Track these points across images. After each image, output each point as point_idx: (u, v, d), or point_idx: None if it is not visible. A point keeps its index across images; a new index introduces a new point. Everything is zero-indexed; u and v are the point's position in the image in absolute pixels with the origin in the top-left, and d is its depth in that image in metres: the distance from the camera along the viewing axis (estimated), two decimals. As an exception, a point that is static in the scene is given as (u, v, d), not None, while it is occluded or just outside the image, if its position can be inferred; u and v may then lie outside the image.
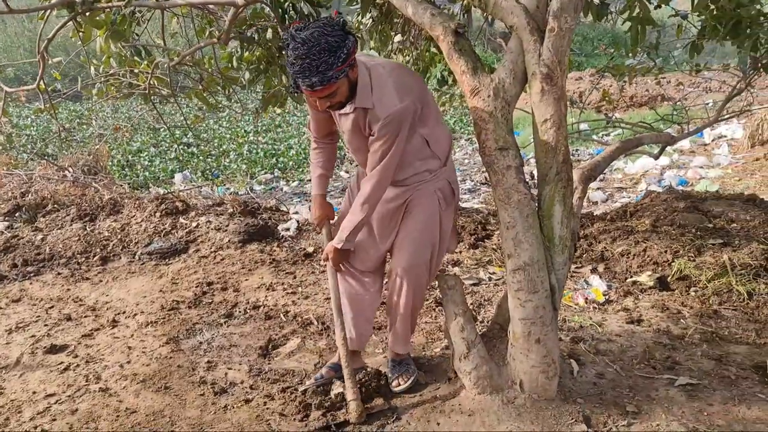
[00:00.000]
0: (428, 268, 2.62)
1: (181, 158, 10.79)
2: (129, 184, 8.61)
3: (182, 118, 12.43)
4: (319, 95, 2.22)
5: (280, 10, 4.04)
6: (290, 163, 10.62)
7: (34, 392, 2.81)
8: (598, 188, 7.98)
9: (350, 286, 2.74)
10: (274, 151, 11.22)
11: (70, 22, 3.67)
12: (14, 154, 9.10)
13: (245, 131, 12.91)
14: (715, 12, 3.50)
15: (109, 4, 3.66)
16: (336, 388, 2.65)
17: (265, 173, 10.20)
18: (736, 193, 5.46)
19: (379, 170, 2.40)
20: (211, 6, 4.10)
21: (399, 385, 2.71)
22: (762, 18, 3.40)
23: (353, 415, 2.48)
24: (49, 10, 3.74)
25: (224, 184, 9.15)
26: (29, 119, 13.82)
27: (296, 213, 6.08)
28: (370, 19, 4.89)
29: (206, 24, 4.59)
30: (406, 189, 2.56)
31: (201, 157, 10.90)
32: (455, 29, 2.39)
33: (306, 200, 8.43)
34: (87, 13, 3.58)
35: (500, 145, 2.34)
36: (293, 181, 9.75)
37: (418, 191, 2.54)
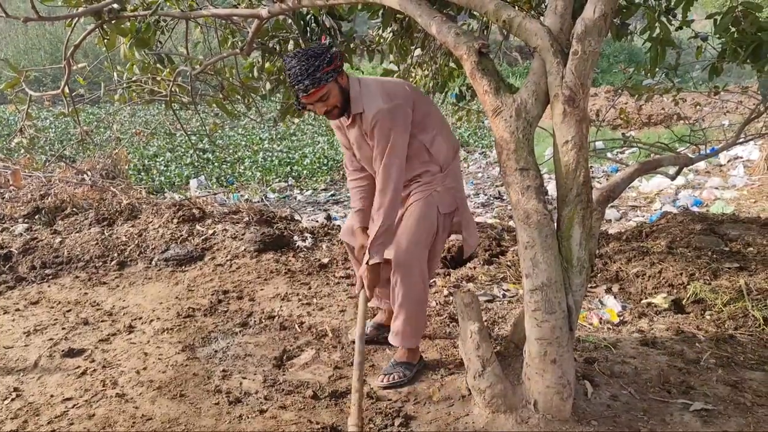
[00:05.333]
0: (421, 263, 2.79)
1: (196, 164, 10.89)
2: (145, 188, 8.70)
3: (198, 124, 12.55)
4: (313, 98, 2.52)
5: (302, 23, 4.10)
6: (304, 171, 10.68)
7: (51, 396, 2.84)
8: (612, 206, 7.96)
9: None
10: (288, 160, 11.30)
11: (96, 29, 3.74)
12: (34, 156, 9.22)
13: (260, 138, 13.00)
14: (736, 35, 3.51)
15: (135, 13, 3.74)
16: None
17: (279, 181, 10.27)
18: (753, 217, 5.44)
19: (381, 171, 2.61)
20: (235, 17, 4.16)
21: (382, 381, 2.84)
22: (783, 43, 3.40)
23: None
24: (76, 18, 3.81)
25: (238, 191, 9.21)
26: (47, 121, 13.99)
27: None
28: (391, 33, 4.93)
29: (229, 34, 4.65)
30: (405, 188, 2.78)
31: (216, 164, 11.00)
32: (479, 49, 2.41)
33: (319, 210, 8.47)
34: (113, 21, 3.65)
35: (521, 165, 2.36)
36: (307, 190, 9.80)
37: (417, 192, 2.78)
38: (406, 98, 2.64)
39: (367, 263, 2.69)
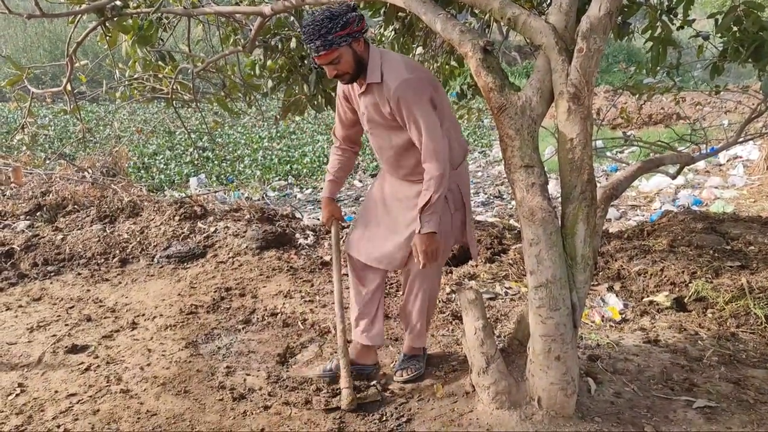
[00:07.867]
0: (440, 265, 2.86)
1: (196, 162, 10.88)
2: (145, 186, 8.69)
3: (198, 122, 12.55)
4: (323, 60, 2.43)
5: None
6: (304, 170, 10.68)
7: (56, 391, 2.85)
8: (612, 205, 7.96)
9: (355, 281, 2.93)
10: (288, 158, 11.29)
11: (98, 27, 3.74)
12: (35, 153, 9.22)
13: (260, 137, 13.00)
14: (737, 34, 3.52)
15: (138, 10, 3.74)
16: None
17: (279, 180, 10.27)
18: (754, 216, 5.45)
19: (425, 140, 2.47)
20: (238, 15, 4.16)
21: (402, 376, 2.91)
22: (785, 42, 3.41)
23: (345, 402, 2.62)
24: (78, 15, 3.81)
25: (238, 190, 9.21)
26: (47, 118, 13.96)
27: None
28: (393, 32, 4.93)
29: (231, 32, 4.65)
30: (412, 187, 2.68)
31: (216, 162, 10.99)
32: (484, 47, 2.42)
33: (319, 208, 8.46)
34: (115, 19, 3.65)
35: (526, 162, 2.37)
36: (307, 188, 9.80)
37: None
38: (429, 81, 2.56)
39: (419, 232, 2.53)
